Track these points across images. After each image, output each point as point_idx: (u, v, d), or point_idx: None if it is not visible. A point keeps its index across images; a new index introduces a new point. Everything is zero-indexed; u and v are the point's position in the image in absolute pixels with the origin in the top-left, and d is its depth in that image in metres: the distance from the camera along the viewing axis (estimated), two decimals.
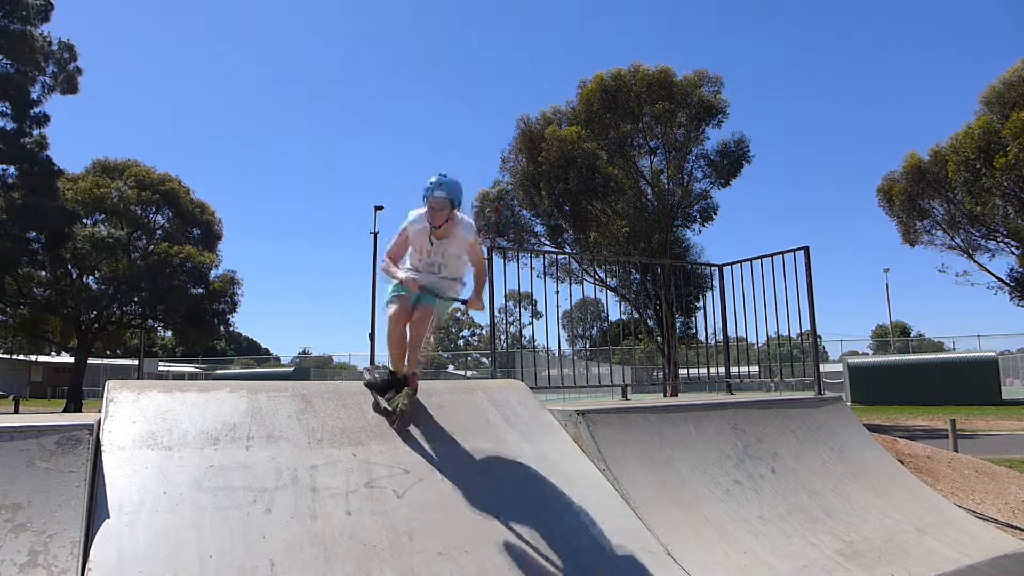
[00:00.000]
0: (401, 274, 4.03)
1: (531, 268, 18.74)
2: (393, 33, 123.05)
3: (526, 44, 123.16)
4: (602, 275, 21.57)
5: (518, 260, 7.02)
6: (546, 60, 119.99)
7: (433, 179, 3.94)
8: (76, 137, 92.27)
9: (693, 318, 21.22)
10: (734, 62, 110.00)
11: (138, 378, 28.30)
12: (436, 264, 4.10)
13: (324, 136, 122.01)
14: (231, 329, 31.06)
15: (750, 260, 7.35)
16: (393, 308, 4.11)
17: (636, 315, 22.33)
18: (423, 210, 4.01)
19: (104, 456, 3.01)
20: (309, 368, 43.67)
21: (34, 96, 22.20)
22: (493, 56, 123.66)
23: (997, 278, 21.82)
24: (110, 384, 3.54)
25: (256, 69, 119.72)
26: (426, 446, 3.86)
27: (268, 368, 45.87)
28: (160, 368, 45.64)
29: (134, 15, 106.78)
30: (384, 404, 4.04)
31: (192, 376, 42.79)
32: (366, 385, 4.24)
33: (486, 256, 4.30)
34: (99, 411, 3.36)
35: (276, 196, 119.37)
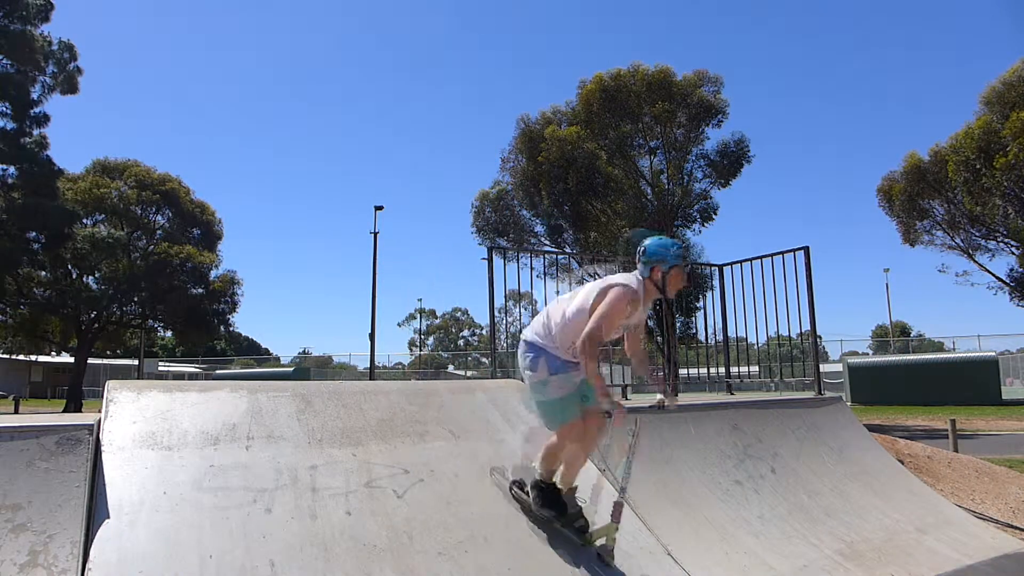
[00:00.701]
0: (617, 401, 3.22)
1: (531, 268, 18.70)
2: (393, 33, 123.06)
3: (526, 44, 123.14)
4: (602, 275, 21.56)
5: (518, 260, 7.00)
6: (546, 60, 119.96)
7: (670, 242, 3.35)
8: (76, 137, 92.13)
9: (693, 318, 21.20)
10: (734, 62, 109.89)
11: (138, 378, 28.32)
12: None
13: (324, 136, 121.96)
14: (231, 329, 31.07)
15: (750, 260, 7.36)
16: (572, 436, 3.31)
17: None
18: (636, 277, 3.34)
19: (104, 456, 3.01)
20: (309, 368, 43.72)
21: (34, 96, 22.19)
22: (493, 56, 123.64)
23: (997, 278, 21.82)
24: (110, 384, 3.54)
25: (256, 69, 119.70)
26: (426, 446, 3.85)
27: (268, 368, 45.91)
28: (160, 368, 45.64)
29: (134, 15, 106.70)
30: (580, 542, 3.35)
31: (192, 376, 42.80)
32: (534, 510, 3.37)
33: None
34: (99, 411, 3.36)
35: (276, 196, 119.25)
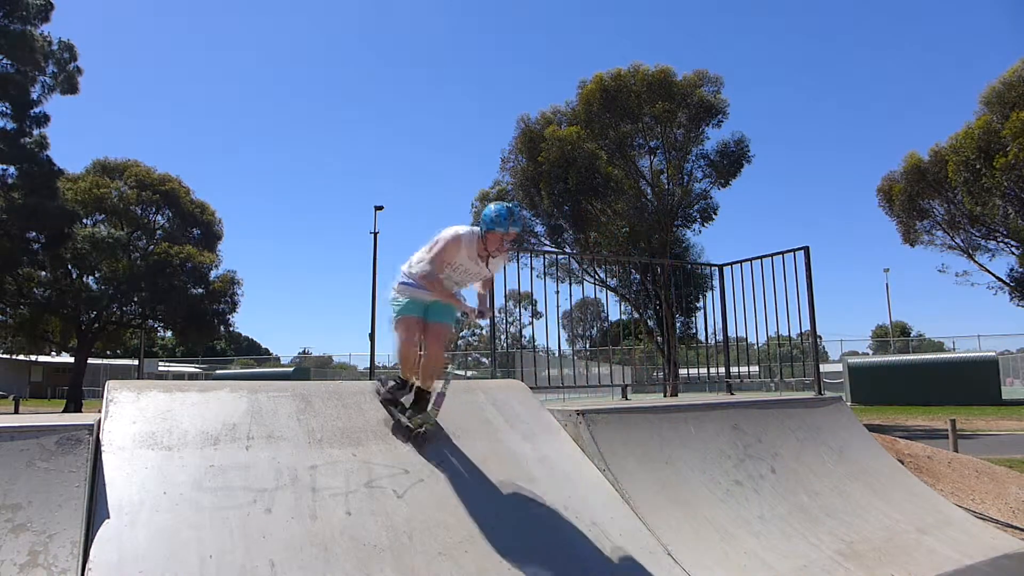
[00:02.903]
0: (467, 305, 3.92)
1: (531, 268, 18.70)
2: (393, 33, 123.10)
3: (526, 44, 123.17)
4: (602, 275, 21.57)
5: (518, 260, 6.98)
6: (546, 60, 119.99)
7: (495, 209, 3.73)
8: (76, 137, 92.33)
9: (693, 318, 21.23)
10: (734, 62, 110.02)
11: (138, 378, 28.31)
12: (461, 283, 4.00)
13: (324, 136, 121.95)
14: (231, 329, 31.10)
15: (750, 260, 7.35)
16: (403, 331, 3.94)
17: (636, 315, 22.33)
18: (473, 231, 3.82)
19: (104, 456, 3.01)
20: (309, 368, 43.64)
21: (34, 96, 22.18)
22: (493, 56, 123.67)
23: (997, 278, 21.82)
24: (110, 384, 3.54)
25: (256, 69, 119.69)
26: (426, 446, 3.85)
27: (268, 368, 45.82)
28: (160, 368, 45.61)
29: (134, 15, 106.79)
30: (405, 422, 3.90)
31: (192, 376, 42.78)
32: (382, 403, 4.07)
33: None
34: (99, 411, 3.36)
35: (276, 196, 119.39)
